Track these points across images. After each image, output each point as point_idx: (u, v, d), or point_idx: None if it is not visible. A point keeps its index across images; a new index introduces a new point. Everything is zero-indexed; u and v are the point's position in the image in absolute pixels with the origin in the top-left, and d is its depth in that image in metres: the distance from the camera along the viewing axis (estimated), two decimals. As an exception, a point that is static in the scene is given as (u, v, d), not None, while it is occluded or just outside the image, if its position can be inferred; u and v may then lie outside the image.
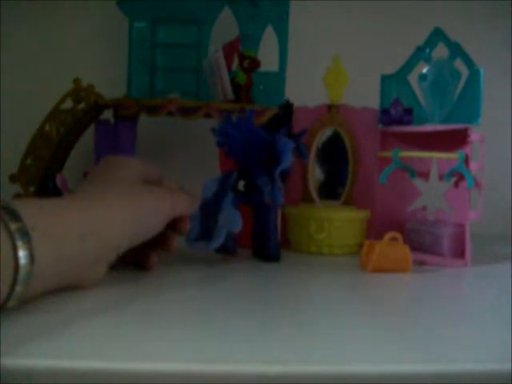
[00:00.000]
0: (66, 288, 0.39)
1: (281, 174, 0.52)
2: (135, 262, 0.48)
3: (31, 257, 0.33)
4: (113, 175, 0.44)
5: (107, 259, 0.41)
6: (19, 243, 0.32)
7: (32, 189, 0.63)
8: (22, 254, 0.32)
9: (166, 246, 0.48)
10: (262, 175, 0.52)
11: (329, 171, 0.67)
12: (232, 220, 0.50)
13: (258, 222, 0.55)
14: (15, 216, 0.33)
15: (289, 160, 0.51)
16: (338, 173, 0.65)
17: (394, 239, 0.51)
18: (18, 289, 0.32)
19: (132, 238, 0.42)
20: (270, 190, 0.52)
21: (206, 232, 0.50)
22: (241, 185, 0.52)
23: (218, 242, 0.49)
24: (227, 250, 0.53)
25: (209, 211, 0.50)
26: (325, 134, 0.65)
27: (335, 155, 0.65)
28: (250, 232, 0.55)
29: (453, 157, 0.56)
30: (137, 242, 0.43)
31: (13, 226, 0.32)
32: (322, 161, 0.66)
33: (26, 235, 0.33)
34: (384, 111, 0.61)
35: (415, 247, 0.56)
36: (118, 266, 0.43)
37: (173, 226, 0.47)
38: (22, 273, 0.32)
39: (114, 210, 0.41)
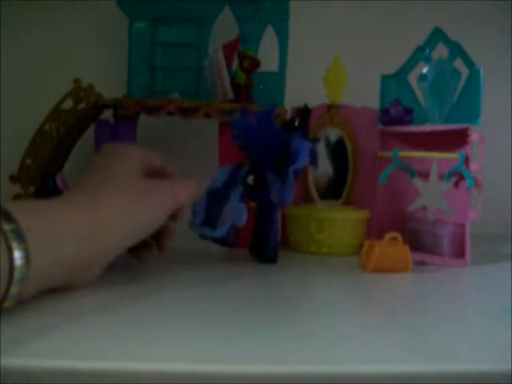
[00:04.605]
0: (61, 288, 0.38)
1: (294, 173, 0.51)
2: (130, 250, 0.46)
3: (26, 258, 0.32)
4: (112, 166, 0.43)
5: (104, 261, 0.40)
6: (14, 244, 0.32)
7: (32, 189, 0.62)
8: (17, 255, 0.32)
9: (160, 246, 0.47)
10: (272, 173, 0.51)
11: (333, 172, 0.66)
12: (238, 213, 0.49)
13: (260, 220, 0.54)
14: (9, 217, 0.33)
15: (305, 159, 0.51)
16: (338, 173, 0.65)
17: (394, 239, 0.51)
18: (14, 289, 0.32)
19: (131, 237, 0.42)
20: (278, 188, 0.51)
21: (209, 219, 0.50)
22: (250, 179, 0.52)
23: (223, 231, 0.49)
24: (228, 242, 0.53)
25: (215, 200, 0.50)
26: (327, 135, 0.65)
27: (337, 156, 0.65)
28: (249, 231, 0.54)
29: (453, 157, 0.56)
30: (137, 240, 0.43)
31: (7, 227, 0.32)
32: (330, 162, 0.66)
33: (20, 236, 0.32)
34: (384, 111, 0.61)
35: (415, 247, 0.56)
36: (117, 267, 0.43)
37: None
38: (17, 274, 0.32)
39: (112, 210, 0.40)
